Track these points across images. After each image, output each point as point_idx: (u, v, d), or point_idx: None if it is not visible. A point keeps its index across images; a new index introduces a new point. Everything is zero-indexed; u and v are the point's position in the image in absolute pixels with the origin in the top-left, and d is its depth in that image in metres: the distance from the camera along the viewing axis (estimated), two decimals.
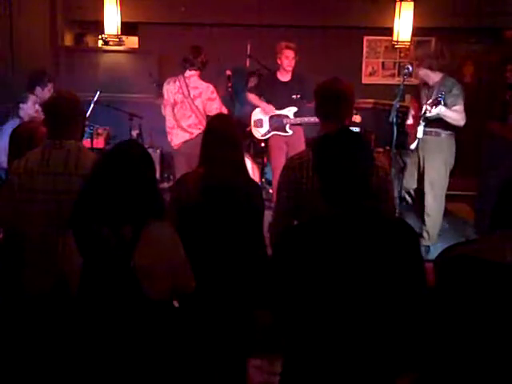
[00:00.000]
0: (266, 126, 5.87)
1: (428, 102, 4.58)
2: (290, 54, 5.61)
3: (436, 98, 4.48)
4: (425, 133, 4.72)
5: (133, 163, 2.20)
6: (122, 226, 2.14)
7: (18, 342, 2.71)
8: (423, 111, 4.62)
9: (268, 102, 5.81)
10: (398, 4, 6.86)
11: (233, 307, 2.81)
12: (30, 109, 4.59)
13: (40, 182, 2.66)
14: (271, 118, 5.83)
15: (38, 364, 2.67)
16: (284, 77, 5.76)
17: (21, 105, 4.60)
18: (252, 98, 5.92)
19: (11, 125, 4.59)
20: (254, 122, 5.93)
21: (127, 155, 2.23)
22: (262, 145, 6.36)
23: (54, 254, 2.46)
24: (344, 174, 1.89)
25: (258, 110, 5.92)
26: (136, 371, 2.20)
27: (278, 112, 5.77)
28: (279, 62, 5.69)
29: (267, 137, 5.90)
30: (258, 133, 5.94)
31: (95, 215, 2.15)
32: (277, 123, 5.79)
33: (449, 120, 4.64)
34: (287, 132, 5.77)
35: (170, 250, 2.23)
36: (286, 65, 5.65)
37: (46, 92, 4.79)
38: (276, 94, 5.73)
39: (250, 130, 6.01)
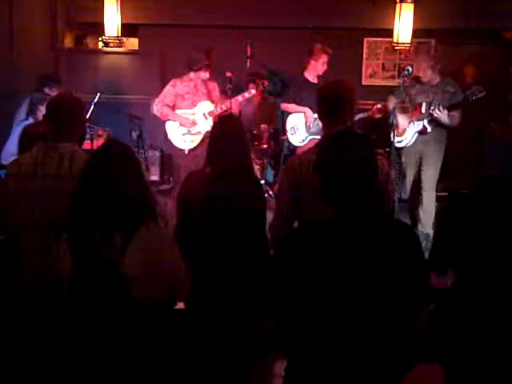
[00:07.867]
0: (302, 132, 5.62)
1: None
2: (326, 59, 5.51)
3: None
4: None
5: (112, 163, 2.20)
6: (113, 231, 2.14)
7: (15, 342, 2.71)
8: None
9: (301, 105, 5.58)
10: (398, 5, 6.86)
11: (236, 309, 2.81)
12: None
13: (32, 184, 2.64)
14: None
15: (31, 364, 2.66)
16: (313, 79, 5.63)
17: (39, 106, 4.54)
18: (289, 107, 5.69)
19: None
20: (290, 129, 5.72)
21: (106, 156, 2.24)
22: (264, 146, 6.32)
23: (50, 255, 2.44)
24: (345, 176, 1.88)
25: (292, 116, 5.70)
26: (124, 376, 2.18)
27: (315, 115, 5.45)
28: (313, 63, 5.56)
29: (305, 142, 5.60)
30: (296, 139, 5.70)
31: (87, 219, 2.16)
32: (314, 127, 5.50)
33: None
34: None
35: (160, 256, 2.21)
36: (321, 70, 5.54)
37: (53, 93, 4.81)
38: (309, 97, 5.35)
39: (287, 138, 5.83)
